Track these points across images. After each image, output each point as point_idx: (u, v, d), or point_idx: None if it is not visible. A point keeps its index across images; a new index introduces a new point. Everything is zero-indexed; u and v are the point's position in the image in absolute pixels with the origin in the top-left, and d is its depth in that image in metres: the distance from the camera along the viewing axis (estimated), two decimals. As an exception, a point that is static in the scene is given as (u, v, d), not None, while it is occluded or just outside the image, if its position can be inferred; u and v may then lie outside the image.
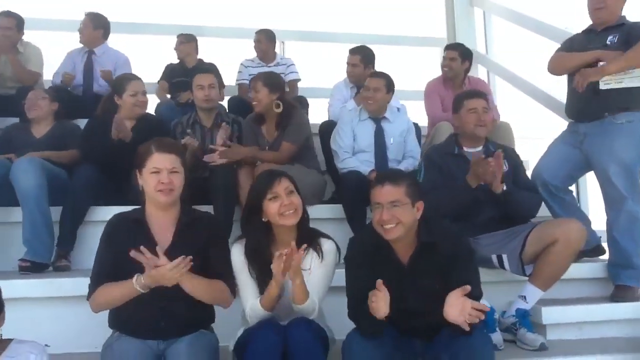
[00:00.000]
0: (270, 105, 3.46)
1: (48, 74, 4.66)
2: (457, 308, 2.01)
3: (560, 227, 2.76)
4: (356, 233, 2.37)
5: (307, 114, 4.76)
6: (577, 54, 3.18)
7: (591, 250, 3.29)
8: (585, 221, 3.30)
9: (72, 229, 3.14)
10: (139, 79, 3.66)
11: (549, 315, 2.87)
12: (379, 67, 4.44)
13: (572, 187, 3.45)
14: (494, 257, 2.92)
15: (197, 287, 2.11)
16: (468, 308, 1.99)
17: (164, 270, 1.97)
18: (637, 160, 3.06)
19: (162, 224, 2.23)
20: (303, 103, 4.77)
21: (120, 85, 3.54)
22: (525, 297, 2.80)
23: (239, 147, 3.48)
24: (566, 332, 2.90)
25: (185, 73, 4.82)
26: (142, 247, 1.99)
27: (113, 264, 2.13)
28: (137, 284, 2.03)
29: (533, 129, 5.51)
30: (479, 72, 5.62)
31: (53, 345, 2.63)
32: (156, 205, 2.23)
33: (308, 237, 2.32)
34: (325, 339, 2.22)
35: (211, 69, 4.97)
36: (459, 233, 2.36)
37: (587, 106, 3.15)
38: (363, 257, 2.26)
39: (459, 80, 4.20)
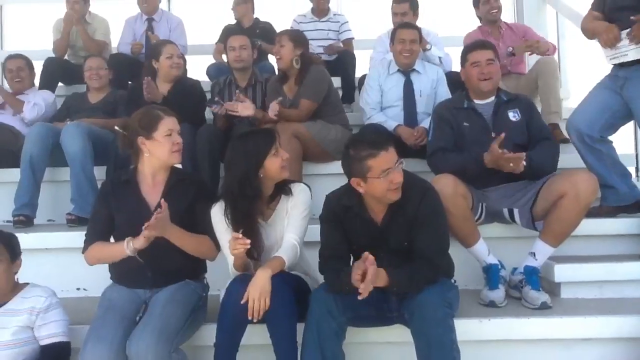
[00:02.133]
0: (292, 60, 3.51)
1: (115, 43, 5.05)
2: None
3: (569, 179, 2.60)
4: (331, 192, 2.40)
5: (354, 69, 4.78)
6: (599, 25, 2.99)
7: (630, 205, 3.06)
8: (624, 174, 3.07)
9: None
10: (173, 43, 3.86)
11: (562, 272, 2.75)
12: (434, 13, 4.34)
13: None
14: (505, 211, 2.84)
15: (183, 239, 2.30)
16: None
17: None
18: None
19: (152, 184, 2.42)
20: (349, 59, 4.76)
21: (157, 50, 3.77)
22: (534, 253, 2.70)
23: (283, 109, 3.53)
24: (583, 291, 2.76)
25: (242, 33, 4.97)
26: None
27: (105, 222, 2.37)
28: (127, 248, 2.26)
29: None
30: (547, 12, 5.24)
31: (89, 288, 3.03)
32: (160, 166, 2.41)
33: (282, 185, 2.41)
34: (301, 286, 2.34)
35: (267, 28, 5.13)
36: (429, 189, 2.32)
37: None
38: (336, 216, 2.32)
39: (498, 25, 3.98)
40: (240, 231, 2.19)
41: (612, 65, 3.07)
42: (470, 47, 2.98)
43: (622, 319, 2.47)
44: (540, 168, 2.75)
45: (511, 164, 2.63)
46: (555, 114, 3.92)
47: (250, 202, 2.32)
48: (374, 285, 2.08)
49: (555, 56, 4.40)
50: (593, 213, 2.90)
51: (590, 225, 2.84)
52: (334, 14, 5.22)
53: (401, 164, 2.22)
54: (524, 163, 2.64)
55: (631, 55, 2.89)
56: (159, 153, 2.39)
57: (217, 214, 2.36)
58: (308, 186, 2.45)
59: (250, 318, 2.13)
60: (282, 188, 2.39)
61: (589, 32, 3.13)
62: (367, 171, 2.19)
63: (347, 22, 5.17)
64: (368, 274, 2.05)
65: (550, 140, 2.86)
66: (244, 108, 3.42)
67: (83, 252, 2.43)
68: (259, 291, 2.13)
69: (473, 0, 4.22)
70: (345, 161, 2.29)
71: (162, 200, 2.24)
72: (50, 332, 2.26)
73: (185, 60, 3.97)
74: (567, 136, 3.29)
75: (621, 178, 3.07)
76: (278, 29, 5.11)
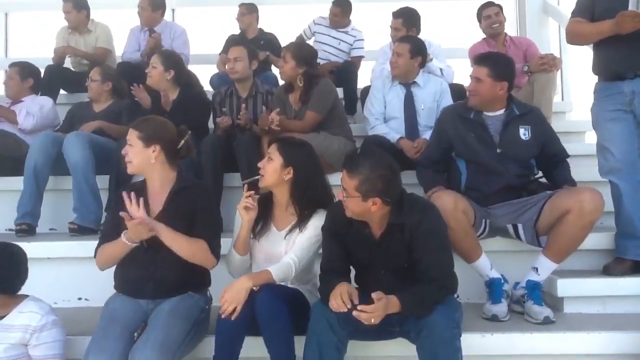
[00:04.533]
0: (295, 77, 3.54)
1: (119, 50, 5.07)
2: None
3: (574, 196, 2.60)
4: (334, 204, 2.40)
5: (356, 80, 4.80)
6: (597, 27, 2.80)
7: None
8: None
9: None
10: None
11: (565, 287, 2.74)
12: (432, 25, 4.34)
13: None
14: (510, 227, 2.83)
15: (174, 240, 2.31)
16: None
17: (131, 224, 2.22)
18: None
19: (158, 192, 2.44)
20: (351, 70, 4.78)
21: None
22: (537, 268, 2.69)
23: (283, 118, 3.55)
24: (587, 306, 2.75)
25: (243, 44, 4.99)
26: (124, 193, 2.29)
27: (116, 228, 2.37)
28: (124, 238, 2.29)
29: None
30: (549, 25, 5.27)
31: (90, 298, 3.02)
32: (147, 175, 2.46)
33: (302, 206, 2.45)
34: (299, 299, 2.36)
35: (271, 40, 5.17)
36: (429, 208, 2.31)
37: (631, 58, 2.77)
38: (336, 229, 2.32)
39: (502, 39, 3.99)
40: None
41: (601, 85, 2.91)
42: (473, 59, 2.99)
43: (625, 335, 2.45)
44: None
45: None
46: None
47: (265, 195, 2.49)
48: (387, 312, 2.09)
49: (559, 72, 4.39)
50: (611, 271, 2.79)
51: (593, 240, 2.83)
52: (352, 29, 5.26)
53: (342, 191, 2.22)
54: None
55: None
56: None
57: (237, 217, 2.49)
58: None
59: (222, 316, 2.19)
60: (306, 208, 2.45)
61: (583, 36, 2.93)
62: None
63: (363, 39, 5.21)
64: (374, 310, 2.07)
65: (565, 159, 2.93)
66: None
67: (95, 256, 2.44)
68: (231, 296, 2.20)
69: (477, 14, 4.23)
70: None
71: (141, 207, 2.28)
72: (44, 353, 2.23)
73: None
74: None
75: None
76: (282, 40, 5.20)
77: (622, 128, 2.83)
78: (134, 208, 2.26)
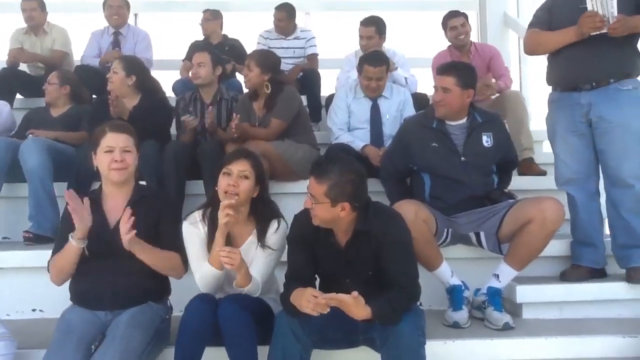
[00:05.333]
0: (260, 84, 3.52)
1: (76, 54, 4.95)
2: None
3: (536, 206, 2.65)
4: (300, 212, 2.39)
5: (319, 88, 4.81)
6: (558, 34, 2.85)
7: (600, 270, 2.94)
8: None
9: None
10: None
11: (524, 293, 2.80)
12: (400, 34, 4.38)
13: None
14: (472, 235, 2.88)
15: (148, 253, 2.26)
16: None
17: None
18: None
19: (115, 202, 2.38)
20: (315, 78, 4.79)
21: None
22: (498, 275, 2.74)
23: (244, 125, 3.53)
24: (544, 311, 2.82)
25: (207, 50, 4.94)
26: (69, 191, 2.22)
27: (67, 240, 2.30)
28: (72, 239, 2.22)
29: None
30: (509, 37, 5.39)
31: (45, 309, 2.92)
32: (110, 184, 2.39)
33: (261, 218, 2.41)
34: (263, 309, 2.33)
35: (235, 46, 5.12)
36: (395, 217, 2.33)
37: (589, 69, 2.81)
38: (303, 238, 2.31)
39: (467, 48, 4.05)
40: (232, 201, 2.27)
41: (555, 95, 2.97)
42: (436, 69, 3.00)
43: (582, 339, 2.53)
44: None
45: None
46: (527, 150, 3.84)
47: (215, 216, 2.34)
48: (355, 315, 2.09)
49: (517, 83, 4.49)
50: (568, 277, 2.87)
51: (551, 247, 2.88)
52: (301, 31, 5.22)
53: (309, 199, 2.21)
54: None
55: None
56: (100, 169, 2.39)
57: (188, 226, 2.38)
58: (287, 223, 2.44)
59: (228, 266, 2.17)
60: (264, 218, 2.41)
61: (542, 44, 2.94)
62: None
63: (314, 37, 5.17)
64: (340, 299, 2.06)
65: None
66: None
67: (48, 270, 2.36)
68: (237, 258, 2.17)
69: (442, 23, 4.27)
70: None
71: (127, 209, 2.21)
72: None
73: None
74: (542, 170, 3.49)
75: (602, 235, 2.98)
76: (247, 45, 5.17)
77: (578, 140, 2.89)
78: (126, 222, 2.18)
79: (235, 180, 2.34)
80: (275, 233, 2.39)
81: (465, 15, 4.12)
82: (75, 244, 2.22)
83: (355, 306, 2.07)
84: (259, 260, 2.37)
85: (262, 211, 2.44)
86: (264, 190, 2.47)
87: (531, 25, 3.03)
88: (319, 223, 2.23)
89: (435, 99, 2.89)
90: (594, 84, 2.82)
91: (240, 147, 2.89)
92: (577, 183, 2.92)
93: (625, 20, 2.68)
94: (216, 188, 2.39)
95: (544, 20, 2.96)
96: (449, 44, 4.24)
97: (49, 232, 3.26)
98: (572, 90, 2.89)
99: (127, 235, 2.16)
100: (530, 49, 3.07)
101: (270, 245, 2.37)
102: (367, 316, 2.10)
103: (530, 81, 5.14)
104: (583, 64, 2.82)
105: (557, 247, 2.99)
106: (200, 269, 2.33)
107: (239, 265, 2.20)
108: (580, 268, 2.91)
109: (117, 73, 3.63)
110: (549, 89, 3.07)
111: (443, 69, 2.93)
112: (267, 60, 3.60)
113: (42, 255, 2.71)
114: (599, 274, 2.91)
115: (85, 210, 2.22)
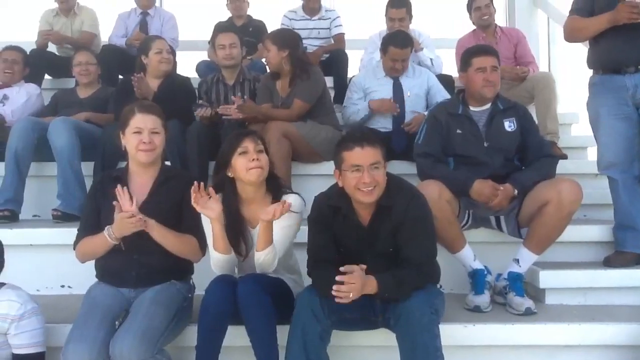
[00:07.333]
0: (279, 63, 3.50)
1: (104, 35, 5.00)
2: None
3: (553, 187, 2.62)
4: (319, 194, 2.39)
5: (346, 69, 4.77)
6: (594, 20, 2.81)
7: None
8: None
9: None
10: (162, 38, 3.85)
11: (547, 279, 2.77)
12: (420, 15, 4.34)
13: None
14: (492, 218, 2.86)
15: (165, 237, 2.29)
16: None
17: (122, 216, 2.17)
18: None
19: (141, 181, 2.41)
20: (342, 58, 4.75)
21: (146, 45, 3.75)
22: (518, 260, 2.71)
23: (254, 104, 3.57)
24: (568, 297, 2.78)
25: (233, 31, 4.94)
26: (118, 188, 2.21)
27: (95, 218, 2.35)
28: (107, 235, 2.25)
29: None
30: (538, 17, 5.27)
31: (73, 285, 2.99)
32: (137, 164, 2.42)
33: (275, 194, 2.39)
34: (282, 289, 2.34)
35: (259, 27, 5.11)
36: (416, 195, 2.32)
37: (632, 52, 2.78)
38: (325, 218, 2.32)
39: (492, 30, 3.97)
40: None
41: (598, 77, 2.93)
42: (475, 52, 2.90)
43: (605, 326, 2.49)
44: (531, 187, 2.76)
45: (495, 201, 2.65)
46: (551, 134, 3.81)
47: (229, 201, 2.34)
48: (364, 292, 2.09)
49: (547, 65, 4.39)
50: (612, 263, 2.82)
51: (575, 232, 2.87)
52: (326, 10, 5.16)
53: (377, 168, 2.20)
54: (515, 192, 2.69)
55: None
56: (128, 149, 2.41)
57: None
58: (300, 196, 2.42)
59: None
60: (277, 195, 2.38)
61: (582, 31, 2.93)
62: (340, 162, 2.24)
63: (339, 17, 5.11)
64: (352, 280, 2.06)
65: (550, 157, 2.87)
66: (237, 112, 3.41)
67: (74, 249, 2.41)
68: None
69: (467, 5, 4.21)
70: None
71: (131, 201, 2.22)
72: (24, 342, 2.18)
73: (175, 55, 3.95)
74: (564, 153, 3.40)
75: None
76: (271, 27, 5.14)
77: (623, 123, 2.84)
78: (126, 202, 2.21)
79: (256, 155, 2.33)
80: (292, 206, 2.34)
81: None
82: (109, 239, 2.26)
83: (355, 279, 2.06)
84: (276, 232, 2.33)
85: (276, 185, 2.43)
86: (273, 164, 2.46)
87: (572, 12, 3.00)
88: (378, 195, 2.22)
89: (492, 79, 2.81)
90: (639, 66, 2.79)
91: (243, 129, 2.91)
92: (620, 167, 2.86)
93: None
94: (228, 173, 2.37)
95: (584, 7, 2.92)
96: (474, 27, 4.17)
97: (76, 211, 3.32)
98: (615, 73, 2.84)
99: (137, 222, 2.20)
100: (570, 36, 3.04)
101: (282, 219, 2.29)
102: (373, 290, 2.12)
103: (559, 62, 5.02)
104: (627, 46, 2.79)
105: (579, 232, 2.95)
106: (212, 253, 2.35)
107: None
108: (625, 254, 2.85)
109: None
110: (579, 71, 3.03)
111: (486, 49, 2.92)
112: (282, 37, 3.58)
113: (70, 233, 2.77)
114: None
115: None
